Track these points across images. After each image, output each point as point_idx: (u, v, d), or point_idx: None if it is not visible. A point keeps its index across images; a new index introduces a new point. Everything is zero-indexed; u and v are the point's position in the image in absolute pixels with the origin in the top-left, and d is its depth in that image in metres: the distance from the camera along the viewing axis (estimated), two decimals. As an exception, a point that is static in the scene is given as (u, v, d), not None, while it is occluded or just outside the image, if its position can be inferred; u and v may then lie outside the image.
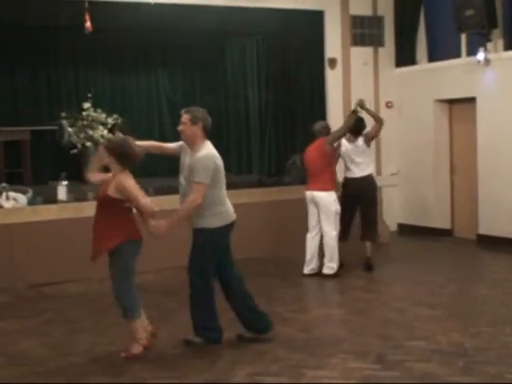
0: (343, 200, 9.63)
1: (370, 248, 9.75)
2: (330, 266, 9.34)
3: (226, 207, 6.54)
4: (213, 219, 6.40)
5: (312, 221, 9.52)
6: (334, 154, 9.56)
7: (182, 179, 6.52)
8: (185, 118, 6.47)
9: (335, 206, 9.35)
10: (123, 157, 6.22)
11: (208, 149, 6.42)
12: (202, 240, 6.44)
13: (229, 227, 6.57)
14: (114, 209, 6.16)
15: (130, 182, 6.17)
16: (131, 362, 6.14)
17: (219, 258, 6.54)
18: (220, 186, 6.47)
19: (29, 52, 12.80)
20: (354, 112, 9.58)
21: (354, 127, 9.58)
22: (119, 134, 6.85)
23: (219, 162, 6.44)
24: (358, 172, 9.72)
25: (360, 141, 9.73)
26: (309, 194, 9.48)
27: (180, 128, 6.49)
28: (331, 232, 9.33)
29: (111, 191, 6.15)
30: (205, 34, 12.82)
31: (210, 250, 6.46)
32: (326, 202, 9.31)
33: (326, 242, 9.35)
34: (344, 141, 9.70)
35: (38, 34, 12.19)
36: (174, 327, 7.05)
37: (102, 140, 12.42)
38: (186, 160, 6.48)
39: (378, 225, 10.12)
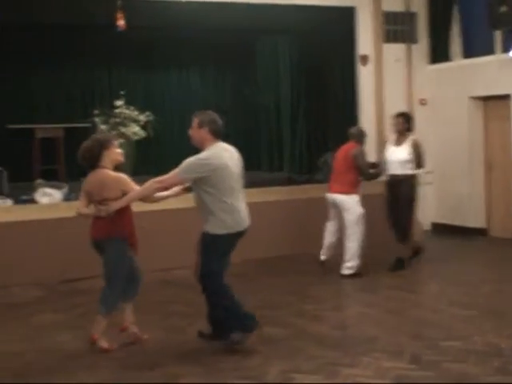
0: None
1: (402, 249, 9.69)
2: (348, 266, 9.30)
3: (233, 216, 6.29)
4: (215, 226, 6.24)
5: (332, 222, 9.54)
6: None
7: None
8: (194, 122, 6.41)
9: (359, 210, 9.28)
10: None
11: (210, 151, 6.28)
12: (204, 243, 6.35)
13: (233, 236, 6.35)
14: None
15: None
16: (165, 357, 6.17)
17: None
18: (224, 194, 6.24)
19: (62, 50, 12.91)
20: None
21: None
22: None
23: (218, 165, 6.21)
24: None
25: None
26: (329, 196, 9.44)
27: (189, 132, 6.46)
28: (353, 234, 9.27)
29: None
30: (236, 32, 12.84)
31: (214, 254, 6.31)
32: (348, 206, 9.27)
33: (347, 244, 9.31)
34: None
35: (72, 33, 12.28)
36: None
37: (134, 137, 12.54)
38: None
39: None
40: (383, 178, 9.92)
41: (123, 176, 6.46)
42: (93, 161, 6.44)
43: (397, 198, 9.53)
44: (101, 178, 6.37)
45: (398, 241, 9.62)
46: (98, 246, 6.45)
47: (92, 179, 6.45)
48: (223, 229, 6.25)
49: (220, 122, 6.43)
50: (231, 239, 6.36)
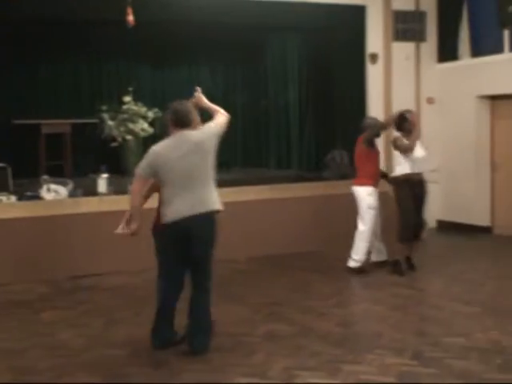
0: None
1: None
2: (355, 259, 9.33)
3: (171, 208, 6.10)
4: (162, 217, 6.18)
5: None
6: (371, 151, 9.42)
7: None
8: None
9: (368, 201, 9.28)
10: None
11: (163, 141, 6.28)
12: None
13: (169, 228, 6.12)
14: None
15: None
16: (168, 355, 6.15)
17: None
18: (167, 185, 6.14)
19: (71, 46, 12.88)
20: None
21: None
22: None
23: (160, 157, 6.12)
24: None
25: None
26: (352, 188, 9.53)
27: None
28: (361, 227, 9.30)
29: None
30: (246, 29, 12.82)
31: (158, 247, 6.33)
32: (360, 197, 9.31)
33: (356, 236, 9.33)
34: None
35: (80, 28, 12.28)
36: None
37: (142, 133, 12.55)
38: None
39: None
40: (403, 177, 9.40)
41: None
42: None
43: (419, 197, 9.29)
44: None
45: (416, 239, 9.43)
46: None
47: None
48: (164, 219, 6.14)
49: (182, 110, 6.32)
50: (168, 232, 6.15)
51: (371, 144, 9.38)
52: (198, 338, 6.22)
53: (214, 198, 6.24)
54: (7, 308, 8.02)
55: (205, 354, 6.13)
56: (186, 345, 6.23)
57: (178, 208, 6.09)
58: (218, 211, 6.24)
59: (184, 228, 6.07)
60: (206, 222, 6.17)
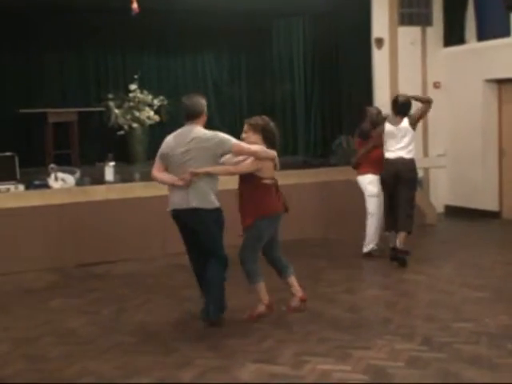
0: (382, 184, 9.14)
1: (403, 239, 8.92)
2: (366, 246, 9.41)
3: (170, 195, 6.66)
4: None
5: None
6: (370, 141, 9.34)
7: None
8: None
9: (369, 189, 9.33)
10: (267, 136, 6.89)
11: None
12: None
13: (172, 214, 6.67)
14: (252, 183, 6.64)
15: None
16: (178, 342, 6.16)
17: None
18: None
19: (76, 34, 12.88)
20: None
21: (401, 108, 9.02)
22: None
23: (160, 150, 6.67)
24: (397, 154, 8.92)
25: (404, 123, 8.99)
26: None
27: None
28: (368, 214, 9.38)
29: None
30: (251, 15, 12.81)
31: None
32: (361, 186, 9.42)
33: (366, 223, 9.42)
34: (386, 122, 9.08)
35: (86, 16, 12.27)
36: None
37: (148, 121, 12.55)
38: None
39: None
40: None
41: None
42: None
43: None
44: None
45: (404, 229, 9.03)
46: None
47: None
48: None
49: (186, 103, 6.72)
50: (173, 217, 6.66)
51: (367, 137, 9.41)
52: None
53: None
54: (17, 296, 8.06)
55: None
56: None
57: (173, 199, 6.63)
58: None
59: (175, 218, 6.68)
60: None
